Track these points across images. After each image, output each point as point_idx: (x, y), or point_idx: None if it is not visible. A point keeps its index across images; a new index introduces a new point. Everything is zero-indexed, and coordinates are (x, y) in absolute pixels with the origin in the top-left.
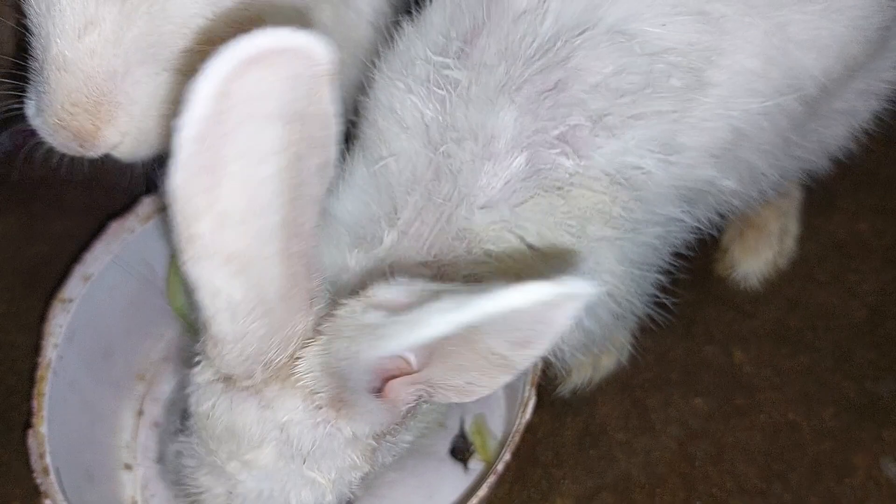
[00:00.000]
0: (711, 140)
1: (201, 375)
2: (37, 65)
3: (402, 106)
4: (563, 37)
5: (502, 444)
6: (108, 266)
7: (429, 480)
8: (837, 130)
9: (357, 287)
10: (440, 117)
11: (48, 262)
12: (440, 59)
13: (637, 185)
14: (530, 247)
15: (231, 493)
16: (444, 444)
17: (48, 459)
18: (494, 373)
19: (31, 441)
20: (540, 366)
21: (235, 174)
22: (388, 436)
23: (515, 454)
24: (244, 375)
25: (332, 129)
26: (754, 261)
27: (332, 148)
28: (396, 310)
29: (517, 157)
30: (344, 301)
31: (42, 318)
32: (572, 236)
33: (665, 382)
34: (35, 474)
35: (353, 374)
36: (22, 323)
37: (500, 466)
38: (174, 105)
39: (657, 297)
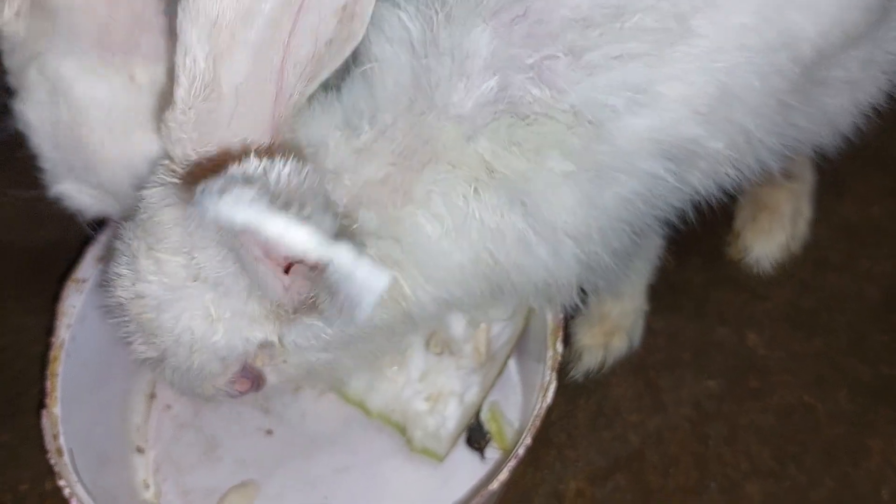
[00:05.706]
0: (695, 93)
1: (164, 161)
2: None
3: (391, 24)
4: None
5: (519, 432)
6: None
7: (444, 468)
8: (841, 101)
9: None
10: (425, 35)
11: (57, 245)
12: None
13: (606, 126)
14: (487, 163)
15: (135, 287)
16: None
17: (62, 440)
18: None
19: (45, 421)
20: (560, 350)
21: None
22: (289, 313)
23: None
24: (181, 159)
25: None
26: (767, 244)
27: (353, 24)
28: (272, 192)
29: (489, 79)
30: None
31: (54, 299)
32: (528, 161)
33: (677, 364)
34: (49, 455)
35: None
36: (31, 307)
37: (521, 450)
38: None
39: (627, 263)
